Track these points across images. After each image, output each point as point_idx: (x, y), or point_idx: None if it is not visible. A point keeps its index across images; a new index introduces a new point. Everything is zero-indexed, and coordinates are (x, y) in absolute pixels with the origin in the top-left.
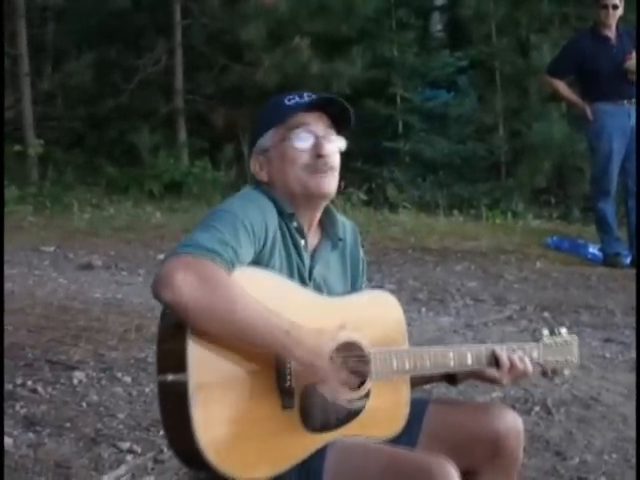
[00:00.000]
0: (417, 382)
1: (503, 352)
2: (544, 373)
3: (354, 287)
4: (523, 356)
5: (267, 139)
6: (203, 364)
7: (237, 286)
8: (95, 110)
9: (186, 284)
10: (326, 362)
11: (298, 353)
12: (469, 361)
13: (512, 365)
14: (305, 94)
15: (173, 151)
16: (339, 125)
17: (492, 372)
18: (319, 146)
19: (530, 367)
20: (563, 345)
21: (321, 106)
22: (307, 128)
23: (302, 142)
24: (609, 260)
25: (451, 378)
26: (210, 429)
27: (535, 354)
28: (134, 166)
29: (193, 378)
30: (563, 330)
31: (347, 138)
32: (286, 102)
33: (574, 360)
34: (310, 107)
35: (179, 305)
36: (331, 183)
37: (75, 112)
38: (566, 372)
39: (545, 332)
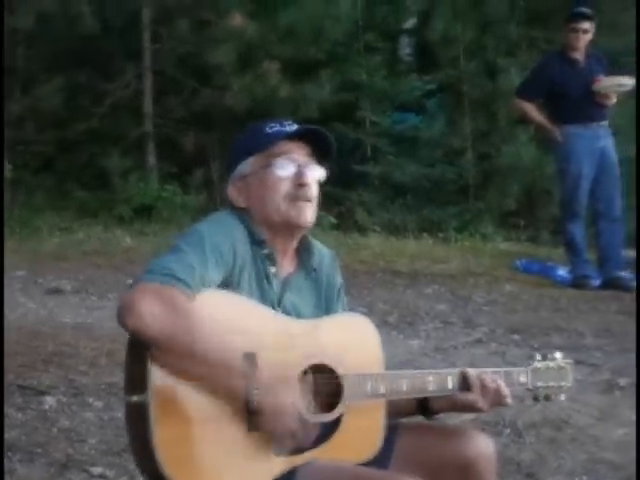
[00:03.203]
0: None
1: (473, 372)
2: (535, 399)
3: (328, 314)
4: (496, 377)
5: (247, 165)
6: (165, 385)
7: (198, 318)
8: (65, 134)
9: (150, 313)
10: (280, 399)
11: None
12: (449, 385)
13: (483, 385)
14: (286, 122)
15: (143, 175)
16: (318, 155)
17: (465, 397)
18: (301, 175)
19: (504, 388)
20: (556, 370)
21: (303, 135)
22: (289, 156)
23: (284, 170)
24: (578, 282)
25: (425, 410)
26: (171, 450)
27: (523, 379)
28: (104, 190)
29: (154, 399)
30: (557, 355)
31: (327, 168)
32: (267, 130)
33: (568, 385)
34: (293, 136)
35: (142, 333)
36: (310, 214)
37: (44, 136)
38: (562, 397)
39: (537, 357)
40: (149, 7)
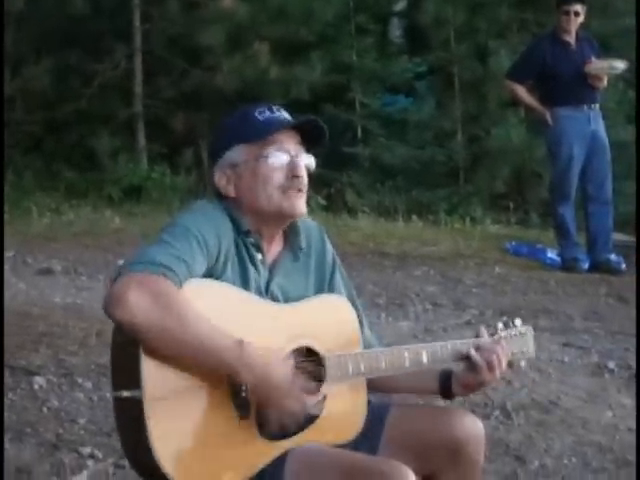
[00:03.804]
0: (405, 390)
1: (476, 355)
2: None
3: (321, 292)
4: (495, 348)
5: (238, 154)
6: (157, 379)
7: (188, 305)
8: (54, 115)
9: (138, 304)
10: (275, 382)
11: (246, 377)
12: (424, 359)
13: (489, 364)
14: (274, 108)
15: (132, 156)
16: (308, 143)
17: (475, 378)
18: (294, 166)
19: (503, 357)
20: (517, 337)
21: (296, 125)
22: (282, 146)
23: (277, 161)
24: (567, 265)
25: (445, 393)
26: (167, 443)
27: None
28: (93, 171)
29: (148, 394)
30: (517, 321)
31: (316, 156)
32: (258, 117)
33: (529, 350)
34: (288, 126)
35: (132, 325)
36: (303, 203)
37: (34, 116)
38: (522, 364)
39: (499, 325)
40: None
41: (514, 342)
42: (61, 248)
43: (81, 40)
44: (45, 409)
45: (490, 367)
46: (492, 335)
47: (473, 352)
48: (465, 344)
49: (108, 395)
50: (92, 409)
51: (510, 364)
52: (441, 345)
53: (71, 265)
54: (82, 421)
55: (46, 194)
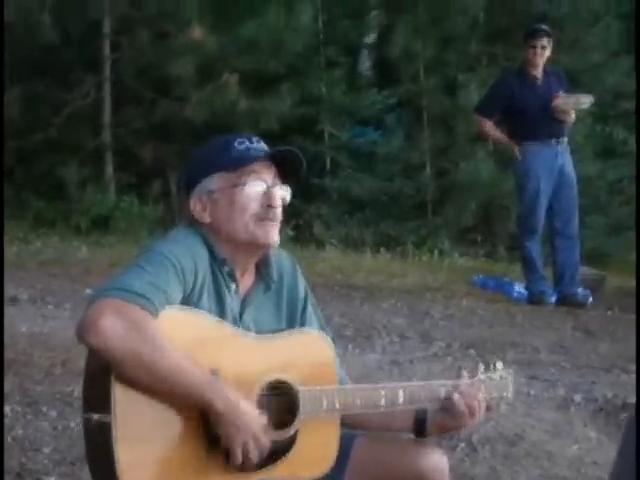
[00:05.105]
0: (377, 427)
1: (459, 400)
2: None
3: (291, 326)
4: (475, 393)
5: (214, 181)
6: (128, 405)
7: (162, 336)
8: (23, 144)
9: (113, 331)
10: (243, 418)
11: (218, 404)
12: (400, 400)
13: (470, 409)
14: (254, 138)
15: (100, 185)
16: (284, 175)
17: (454, 421)
18: (270, 196)
19: (482, 402)
20: (498, 381)
21: (275, 156)
22: (259, 176)
23: (254, 190)
24: (534, 298)
25: (420, 432)
26: (134, 471)
27: None
28: (61, 200)
29: (117, 420)
30: (499, 365)
31: (292, 188)
32: (237, 146)
33: (509, 395)
34: (269, 157)
35: (105, 352)
36: (276, 234)
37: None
38: (501, 408)
39: (481, 368)
40: (110, 17)
41: (494, 386)
42: (28, 277)
43: (50, 69)
44: (9, 438)
45: (471, 412)
46: (472, 377)
47: (457, 397)
48: (443, 386)
49: (72, 424)
50: (56, 438)
51: (489, 408)
52: (419, 386)
53: (38, 294)
54: (46, 450)
55: (14, 223)
